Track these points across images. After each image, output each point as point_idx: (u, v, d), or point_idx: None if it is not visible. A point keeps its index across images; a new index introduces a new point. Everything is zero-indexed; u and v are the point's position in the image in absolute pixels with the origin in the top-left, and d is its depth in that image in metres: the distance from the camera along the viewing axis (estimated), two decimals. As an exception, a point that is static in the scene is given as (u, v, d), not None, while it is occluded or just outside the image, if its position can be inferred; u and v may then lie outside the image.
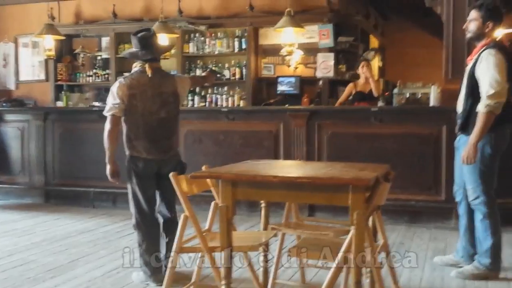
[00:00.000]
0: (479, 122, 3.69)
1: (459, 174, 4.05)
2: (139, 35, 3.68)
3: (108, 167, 3.69)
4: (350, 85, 7.13)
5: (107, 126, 3.65)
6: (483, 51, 3.77)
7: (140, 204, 3.70)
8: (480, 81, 3.73)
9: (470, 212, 3.99)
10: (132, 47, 3.79)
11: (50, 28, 7.57)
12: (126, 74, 3.81)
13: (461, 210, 4.11)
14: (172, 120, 3.78)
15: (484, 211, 3.83)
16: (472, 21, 3.89)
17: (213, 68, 7.88)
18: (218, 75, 7.77)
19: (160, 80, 3.72)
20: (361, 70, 6.98)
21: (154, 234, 3.72)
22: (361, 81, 7.01)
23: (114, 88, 3.64)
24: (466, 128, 3.86)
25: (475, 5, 3.98)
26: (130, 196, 3.74)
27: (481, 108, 3.68)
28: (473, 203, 3.89)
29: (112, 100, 3.63)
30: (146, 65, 3.67)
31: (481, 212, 3.85)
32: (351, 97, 7.06)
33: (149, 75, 3.66)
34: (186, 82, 4.03)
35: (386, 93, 7.14)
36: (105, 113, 3.68)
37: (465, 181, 3.93)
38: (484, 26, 3.85)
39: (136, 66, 3.76)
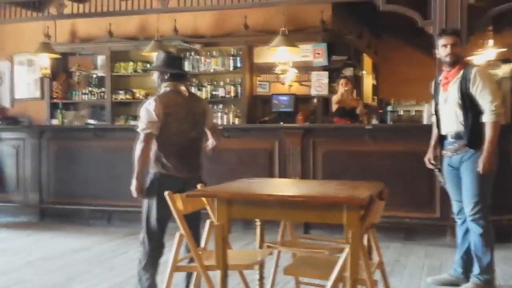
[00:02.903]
0: (491, 131, 3.83)
1: (461, 193, 4.05)
2: (169, 54, 3.81)
3: (134, 183, 3.64)
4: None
5: (141, 144, 3.61)
6: (469, 70, 3.93)
7: (150, 223, 3.68)
8: (481, 95, 3.86)
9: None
10: (158, 63, 3.83)
11: (46, 47, 7.63)
12: (151, 95, 3.92)
13: (463, 230, 4.13)
14: (200, 139, 3.86)
15: (483, 225, 3.90)
16: (453, 46, 4.03)
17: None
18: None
19: (192, 101, 3.80)
20: (340, 88, 7.02)
21: (156, 254, 3.70)
22: (342, 96, 7.04)
23: (151, 107, 3.61)
24: (475, 142, 3.91)
25: (453, 31, 4.24)
26: (144, 211, 3.73)
27: (490, 118, 3.83)
28: (473, 217, 3.92)
29: (148, 118, 3.61)
30: (182, 86, 3.74)
31: (480, 227, 3.90)
32: (334, 111, 7.11)
33: (186, 95, 3.74)
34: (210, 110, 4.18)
35: (380, 111, 7.19)
36: (140, 130, 3.64)
37: (467, 196, 3.96)
38: (462, 49, 4.13)
39: (167, 87, 3.75)
